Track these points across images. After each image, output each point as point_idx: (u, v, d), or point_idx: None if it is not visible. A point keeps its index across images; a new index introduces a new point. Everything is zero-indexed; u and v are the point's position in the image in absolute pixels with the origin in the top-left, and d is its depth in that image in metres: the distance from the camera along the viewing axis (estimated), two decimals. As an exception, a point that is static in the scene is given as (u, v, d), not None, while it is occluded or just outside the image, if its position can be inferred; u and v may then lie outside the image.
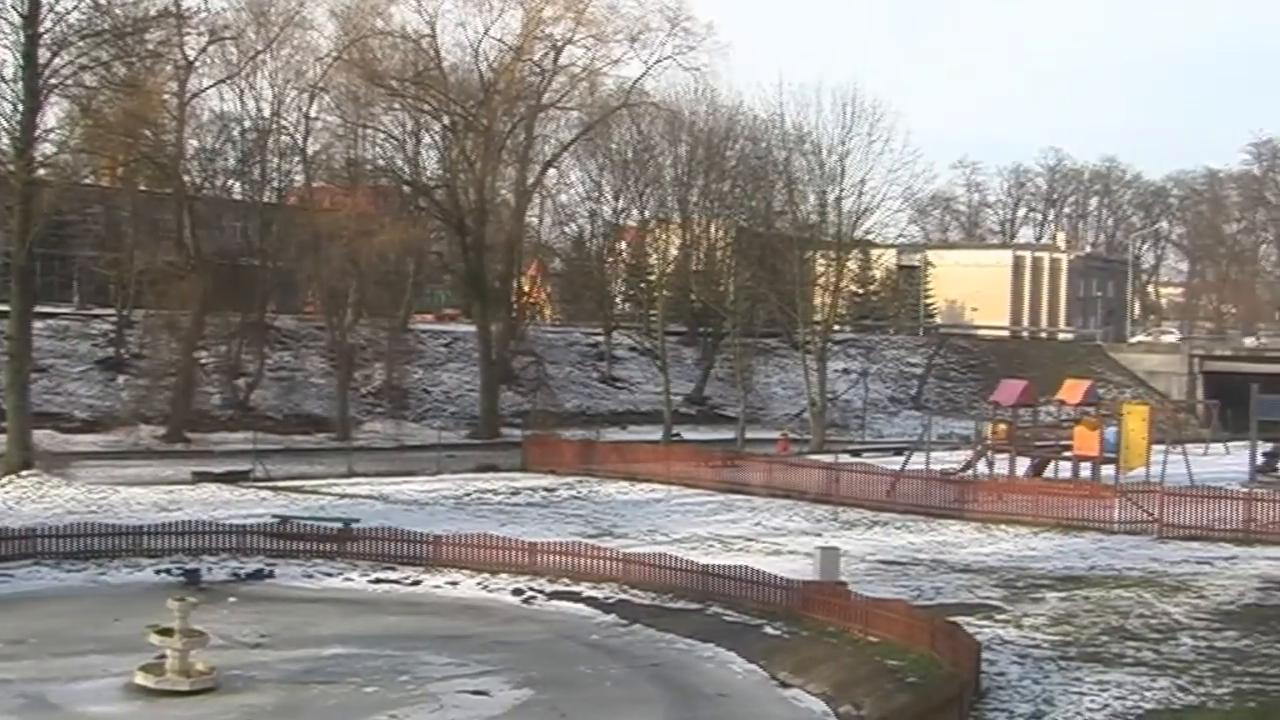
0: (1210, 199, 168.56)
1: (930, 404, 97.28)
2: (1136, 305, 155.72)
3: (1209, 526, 44.84)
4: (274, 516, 42.15)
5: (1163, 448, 55.99)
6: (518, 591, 35.82)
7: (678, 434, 78.75)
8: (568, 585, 36.04)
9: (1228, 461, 61.71)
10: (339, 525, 40.42)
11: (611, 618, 33.38)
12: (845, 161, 77.82)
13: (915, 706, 24.43)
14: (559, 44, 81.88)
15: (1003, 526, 46.84)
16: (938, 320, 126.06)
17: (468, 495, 52.03)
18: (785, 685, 28.05)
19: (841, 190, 78.85)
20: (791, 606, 32.32)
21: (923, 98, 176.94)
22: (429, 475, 57.76)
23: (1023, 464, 56.75)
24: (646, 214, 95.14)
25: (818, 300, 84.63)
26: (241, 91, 76.88)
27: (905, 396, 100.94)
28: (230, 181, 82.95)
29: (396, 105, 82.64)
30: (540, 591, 35.78)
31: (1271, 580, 37.70)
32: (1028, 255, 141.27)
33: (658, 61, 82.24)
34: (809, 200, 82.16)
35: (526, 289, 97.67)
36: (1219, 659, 28.54)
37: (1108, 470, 53.74)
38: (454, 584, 36.62)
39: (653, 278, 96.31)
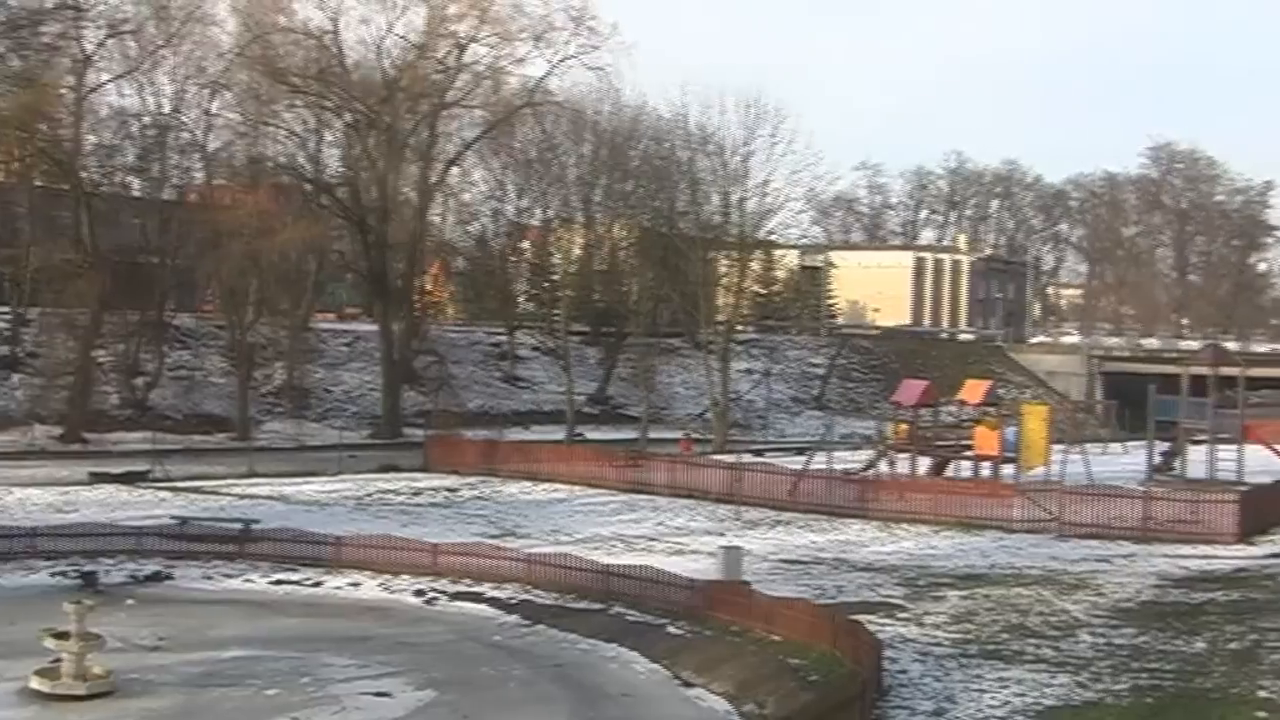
0: (1109, 202, 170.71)
1: (832, 404, 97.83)
2: (1036, 307, 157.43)
3: (1107, 525, 45.24)
4: (173, 518, 41.74)
5: (1062, 447, 56.40)
6: (420, 593, 35.67)
7: (580, 434, 78.63)
8: (470, 586, 35.93)
9: (1125, 461, 62.30)
10: (239, 526, 40.06)
11: (514, 618, 33.28)
12: (748, 162, 78.52)
13: (818, 705, 24.53)
14: (463, 42, 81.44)
15: (904, 525, 47.15)
16: (840, 321, 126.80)
17: (369, 496, 51.71)
18: (688, 685, 28.06)
19: (745, 191, 79.48)
20: (694, 606, 32.37)
21: (826, 100, 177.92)
22: (330, 475, 57.27)
23: (924, 463, 57.07)
24: (550, 213, 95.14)
25: (721, 300, 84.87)
26: (141, 87, 75.97)
27: (807, 396, 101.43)
28: (129, 178, 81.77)
29: (298, 102, 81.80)
30: (443, 592, 35.64)
31: (1168, 578, 38.15)
32: (929, 257, 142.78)
33: (562, 61, 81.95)
34: (712, 201, 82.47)
35: (429, 288, 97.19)
36: (1117, 655, 28.85)
37: (1008, 469, 54.08)
38: (356, 585, 36.39)
39: (556, 277, 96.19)
